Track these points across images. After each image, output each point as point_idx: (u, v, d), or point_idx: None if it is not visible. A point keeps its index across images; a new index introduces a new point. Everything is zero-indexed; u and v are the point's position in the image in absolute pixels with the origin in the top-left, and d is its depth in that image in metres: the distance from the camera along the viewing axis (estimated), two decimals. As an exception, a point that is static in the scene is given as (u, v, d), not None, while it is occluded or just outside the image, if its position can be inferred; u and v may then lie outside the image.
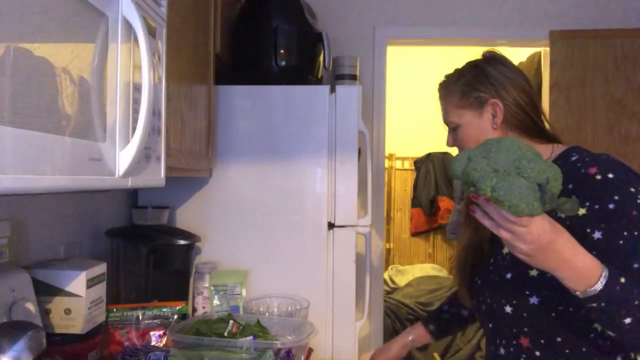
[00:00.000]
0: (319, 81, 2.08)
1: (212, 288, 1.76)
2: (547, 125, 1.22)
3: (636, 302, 0.89)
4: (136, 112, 0.89)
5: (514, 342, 1.11)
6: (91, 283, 1.26)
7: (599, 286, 0.87)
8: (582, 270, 0.88)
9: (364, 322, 1.92)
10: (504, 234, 0.87)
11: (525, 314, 1.07)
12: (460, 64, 1.29)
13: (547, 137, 1.20)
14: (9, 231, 1.17)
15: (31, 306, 1.07)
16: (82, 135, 0.74)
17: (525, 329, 1.09)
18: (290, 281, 1.86)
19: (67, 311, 1.21)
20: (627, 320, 0.89)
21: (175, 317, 1.53)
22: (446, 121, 1.27)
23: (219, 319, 1.52)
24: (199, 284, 1.82)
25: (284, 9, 1.99)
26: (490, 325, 1.18)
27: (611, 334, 0.96)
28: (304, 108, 1.88)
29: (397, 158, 4.82)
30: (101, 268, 1.33)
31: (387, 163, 4.65)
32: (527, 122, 1.18)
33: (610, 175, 1.00)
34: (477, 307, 1.22)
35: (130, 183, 0.91)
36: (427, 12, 2.80)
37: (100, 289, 1.32)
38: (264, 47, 1.95)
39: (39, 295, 1.15)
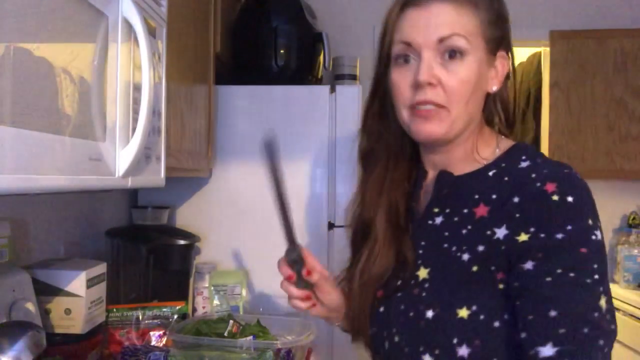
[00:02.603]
0: (319, 81, 2.08)
1: (212, 288, 1.77)
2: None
3: None
4: (136, 112, 0.89)
5: None
6: (91, 283, 1.26)
7: None
8: None
9: (364, 322, 1.91)
10: None
11: None
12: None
13: (506, 126, 0.91)
14: (9, 231, 1.17)
15: (31, 306, 1.07)
16: (82, 135, 0.74)
17: None
18: (290, 281, 1.86)
19: (67, 311, 1.21)
20: None
21: (175, 317, 1.53)
22: (449, 33, 0.80)
23: (219, 319, 1.52)
24: (199, 284, 1.82)
25: (284, 9, 1.99)
26: None
27: None
28: (304, 108, 1.88)
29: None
30: (101, 268, 1.33)
31: (387, 163, 4.64)
32: (508, 99, 0.90)
33: (570, 199, 0.75)
34: (377, 341, 0.91)
35: (130, 183, 0.91)
36: (427, 12, 2.80)
37: (100, 289, 1.32)
38: (264, 47, 1.95)
39: (39, 295, 1.15)
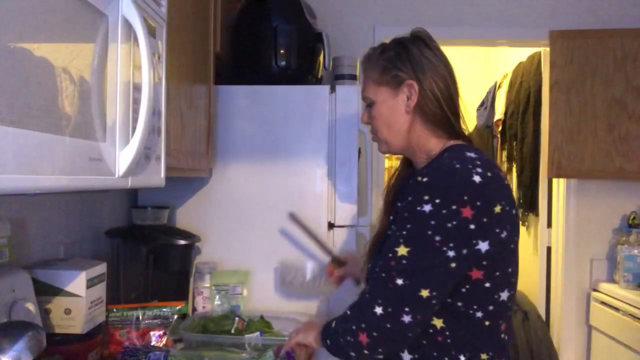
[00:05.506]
0: (319, 81, 2.08)
1: (214, 288, 1.77)
2: (461, 123, 1.18)
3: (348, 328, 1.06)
4: (136, 112, 0.89)
5: None
6: (91, 283, 1.26)
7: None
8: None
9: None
10: None
11: None
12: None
13: (455, 134, 1.17)
14: (9, 231, 1.17)
15: (31, 306, 1.07)
16: (82, 135, 0.74)
17: None
18: (290, 281, 1.86)
19: (67, 311, 1.21)
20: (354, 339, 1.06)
21: (175, 317, 1.54)
22: (363, 96, 1.24)
23: (222, 316, 1.53)
24: (199, 284, 1.82)
25: (284, 9, 1.99)
26: None
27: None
28: (304, 108, 1.88)
29: (397, 158, 4.81)
30: (101, 268, 1.33)
31: (387, 163, 4.64)
32: (438, 113, 1.15)
33: (424, 179, 1.03)
34: None
35: (130, 183, 0.91)
36: (427, 12, 2.80)
37: (100, 289, 1.32)
38: (264, 47, 1.95)
39: (39, 295, 1.15)
